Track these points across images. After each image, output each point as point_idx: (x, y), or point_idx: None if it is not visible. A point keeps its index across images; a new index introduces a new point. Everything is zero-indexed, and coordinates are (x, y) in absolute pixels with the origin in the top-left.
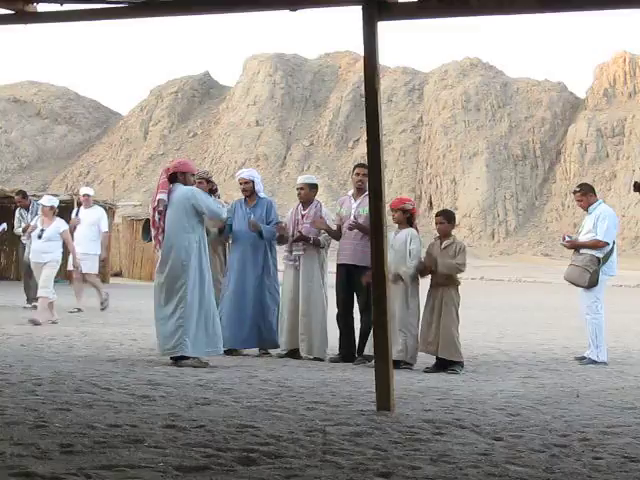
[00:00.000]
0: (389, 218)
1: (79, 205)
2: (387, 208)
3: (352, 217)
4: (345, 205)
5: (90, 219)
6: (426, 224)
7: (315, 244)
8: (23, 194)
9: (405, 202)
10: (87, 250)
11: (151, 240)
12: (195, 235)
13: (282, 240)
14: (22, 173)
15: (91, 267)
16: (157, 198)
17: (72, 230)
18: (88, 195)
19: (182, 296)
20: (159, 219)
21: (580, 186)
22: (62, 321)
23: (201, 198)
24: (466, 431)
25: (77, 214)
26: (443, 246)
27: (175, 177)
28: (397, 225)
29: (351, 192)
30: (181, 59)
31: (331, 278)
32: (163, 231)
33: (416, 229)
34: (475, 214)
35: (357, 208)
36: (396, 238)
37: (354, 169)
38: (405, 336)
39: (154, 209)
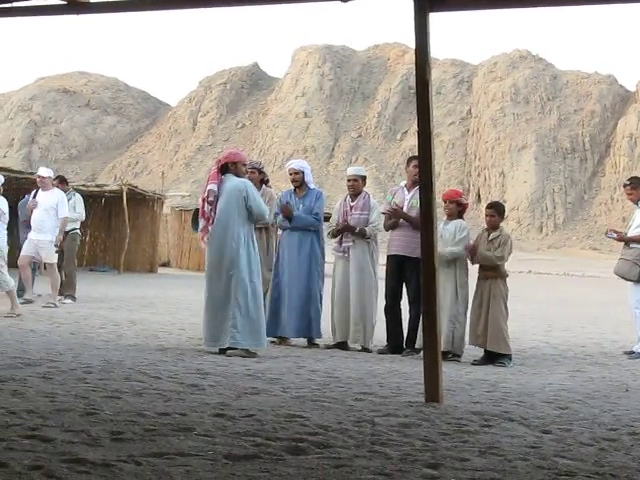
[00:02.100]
0: (439, 210)
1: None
2: (437, 200)
3: (405, 209)
4: (398, 196)
5: (47, 203)
6: (474, 217)
7: (361, 234)
8: (61, 179)
9: (461, 195)
10: (42, 237)
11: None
12: (244, 227)
13: (333, 233)
14: (71, 163)
15: (48, 255)
16: (207, 189)
17: (29, 214)
18: (44, 177)
19: (232, 288)
20: (210, 210)
21: (630, 179)
22: (111, 310)
23: (252, 193)
24: (514, 424)
25: (34, 196)
26: (490, 238)
27: (226, 168)
28: (446, 217)
29: (403, 183)
30: (230, 50)
31: (380, 270)
32: (213, 222)
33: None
34: (523, 207)
35: (410, 200)
36: (445, 229)
37: (410, 161)
38: (453, 326)
39: (204, 200)
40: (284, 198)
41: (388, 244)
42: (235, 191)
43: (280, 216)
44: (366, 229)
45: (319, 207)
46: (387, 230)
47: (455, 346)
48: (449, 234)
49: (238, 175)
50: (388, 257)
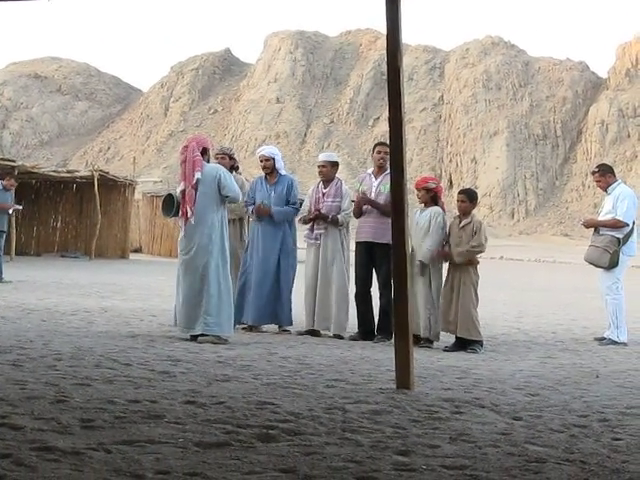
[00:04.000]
0: (412, 197)
1: None
2: (410, 187)
3: (373, 195)
4: (365, 182)
5: None
6: (446, 203)
7: (333, 222)
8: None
9: (428, 181)
10: None
11: (173, 216)
12: (218, 214)
13: (305, 220)
14: (42, 149)
15: None
16: (196, 178)
17: None
18: None
19: (205, 275)
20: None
21: (599, 167)
22: (82, 297)
23: (225, 177)
24: (485, 410)
25: None
26: (461, 225)
27: (204, 153)
28: (423, 204)
29: (371, 170)
30: (202, 36)
31: (351, 257)
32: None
33: (442, 208)
34: (495, 193)
35: (378, 186)
36: (421, 216)
37: (375, 147)
38: (430, 313)
39: (193, 187)
40: (255, 185)
41: (357, 231)
42: (210, 178)
43: (250, 208)
44: (339, 217)
45: (295, 196)
46: (357, 218)
47: (432, 333)
48: (424, 221)
49: (208, 160)
50: (357, 244)
